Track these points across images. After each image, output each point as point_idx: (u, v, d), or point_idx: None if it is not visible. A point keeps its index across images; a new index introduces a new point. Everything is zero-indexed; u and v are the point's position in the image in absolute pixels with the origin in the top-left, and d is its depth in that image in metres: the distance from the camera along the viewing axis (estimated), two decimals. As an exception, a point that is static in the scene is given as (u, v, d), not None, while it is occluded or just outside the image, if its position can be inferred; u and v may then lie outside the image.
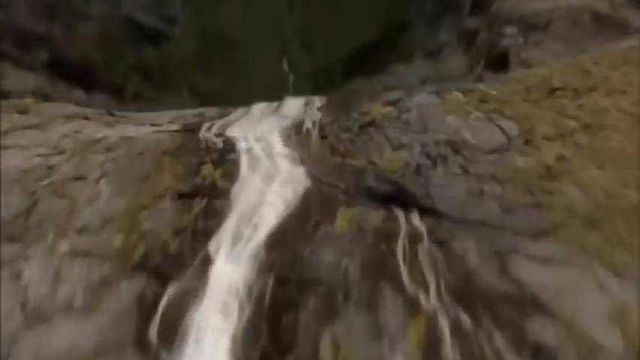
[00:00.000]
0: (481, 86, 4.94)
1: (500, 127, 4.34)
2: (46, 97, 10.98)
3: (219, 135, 4.88)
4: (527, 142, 4.15)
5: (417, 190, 3.93)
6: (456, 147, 4.22)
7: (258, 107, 6.22)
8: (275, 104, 6.38)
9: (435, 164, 4.08)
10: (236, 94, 12.70)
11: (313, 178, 4.16)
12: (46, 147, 4.75)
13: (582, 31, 10.10)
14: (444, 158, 4.12)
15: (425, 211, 3.81)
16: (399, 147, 4.33)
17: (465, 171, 3.98)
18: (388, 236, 3.62)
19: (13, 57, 10.85)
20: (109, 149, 4.70)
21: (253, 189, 3.99)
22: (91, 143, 4.78)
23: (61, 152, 4.63)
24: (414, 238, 3.60)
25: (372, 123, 4.69)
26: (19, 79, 10.45)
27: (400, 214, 3.81)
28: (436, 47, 12.87)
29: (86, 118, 5.64)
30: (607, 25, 10.09)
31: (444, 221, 3.72)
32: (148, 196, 3.85)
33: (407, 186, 3.97)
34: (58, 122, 5.41)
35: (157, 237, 3.52)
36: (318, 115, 5.44)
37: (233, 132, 4.91)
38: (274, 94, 12.92)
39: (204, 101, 12.75)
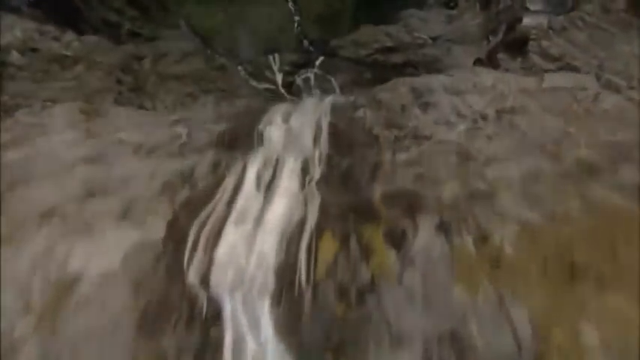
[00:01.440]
0: (496, 235, 4.43)
1: (512, 325, 3.93)
2: (34, 50, 10.34)
3: (203, 283, 4.47)
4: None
5: None
6: (459, 349, 3.86)
7: (253, 170, 5.75)
8: (272, 162, 5.89)
9: (435, 386, 3.75)
10: (237, 34, 12.11)
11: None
12: (13, 296, 4.38)
13: (613, 20, 9.23)
14: (446, 375, 3.78)
15: None
16: (398, 342, 3.97)
17: (467, 402, 3.66)
18: None
19: (-3, 0, 10.11)
20: (83, 302, 4.35)
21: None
22: (63, 292, 4.41)
23: (29, 311, 4.28)
24: None
25: (371, 287, 4.28)
26: (5, 29, 9.79)
27: None
28: (453, -4, 12.14)
29: (63, 215, 5.16)
30: (641, 15, 9.21)
31: None
32: None
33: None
34: (31, 231, 4.96)
35: None
36: (317, 204, 5.06)
37: (218, 279, 4.49)
38: (277, 37, 12.22)
39: (205, 40, 12.08)
